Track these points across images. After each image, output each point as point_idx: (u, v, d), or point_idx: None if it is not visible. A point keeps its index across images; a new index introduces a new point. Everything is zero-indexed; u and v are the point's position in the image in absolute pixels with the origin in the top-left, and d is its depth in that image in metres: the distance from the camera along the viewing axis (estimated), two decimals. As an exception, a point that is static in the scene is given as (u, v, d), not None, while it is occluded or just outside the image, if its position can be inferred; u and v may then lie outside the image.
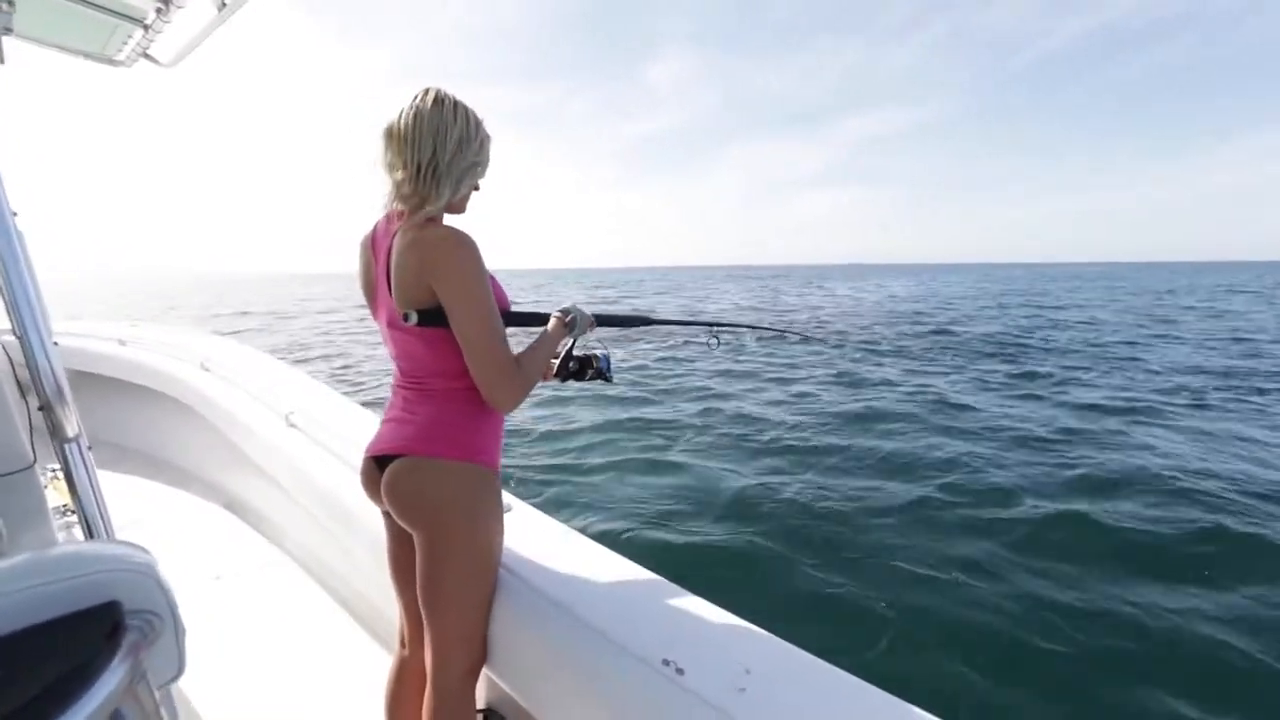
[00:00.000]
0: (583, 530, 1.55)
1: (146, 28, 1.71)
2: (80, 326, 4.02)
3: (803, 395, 7.96)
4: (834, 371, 9.77)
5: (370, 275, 1.23)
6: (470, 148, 1.12)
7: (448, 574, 1.17)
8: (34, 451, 1.35)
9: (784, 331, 2.56)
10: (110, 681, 0.48)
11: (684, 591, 1.22)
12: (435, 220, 1.13)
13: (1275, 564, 3.47)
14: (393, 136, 1.09)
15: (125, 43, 1.83)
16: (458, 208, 1.19)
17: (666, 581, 1.26)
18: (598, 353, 1.41)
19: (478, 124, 1.14)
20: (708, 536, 3.82)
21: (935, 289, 42.73)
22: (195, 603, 2.13)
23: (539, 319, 1.33)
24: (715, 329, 1.76)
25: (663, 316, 1.63)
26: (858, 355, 11.53)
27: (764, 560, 3.53)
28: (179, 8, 1.53)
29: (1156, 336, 14.23)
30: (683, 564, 3.48)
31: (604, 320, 1.44)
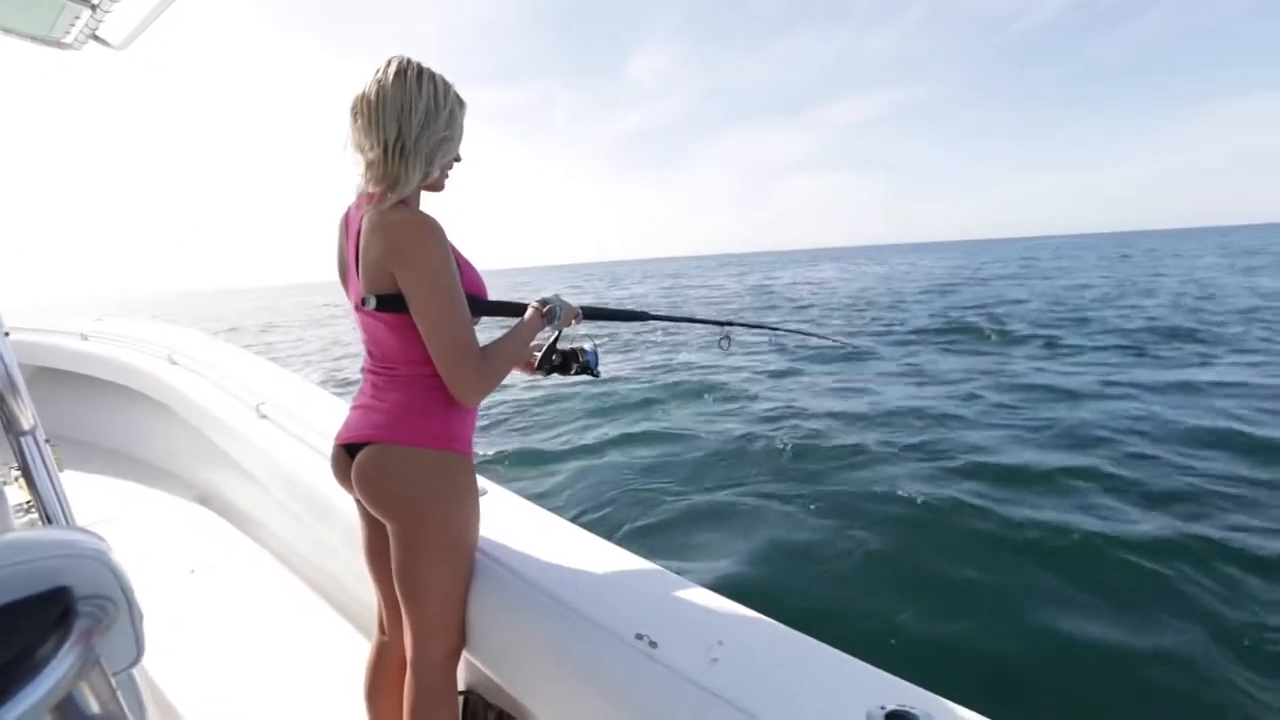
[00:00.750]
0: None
1: (94, 7, 1.64)
2: (41, 321, 3.90)
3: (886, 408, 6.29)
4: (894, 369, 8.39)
5: (343, 256, 1.21)
6: (438, 120, 1.07)
7: (423, 563, 1.16)
8: None
9: (811, 334, 2.20)
10: (59, 668, 0.47)
11: (658, 568, 1.24)
12: (406, 202, 1.10)
13: None
14: (358, 114, 1.06)
15: (73, 24, 1.76)
16: (436, 185, 1.16)
17: (641, 559, 1.28)
18: (584, 346, 1.35)
19: (445, 90, 1.08)
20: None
21: (953, 267, 39.85)
22: (171, 597, 2.11)
23: (516, 309, 1.28)
24: (727, 328, 1.60)
25: (663, 312, 1.54)
26: (905, 348, 9.99)
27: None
28: None
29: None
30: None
31: (593, 313, 1.38)
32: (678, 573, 1.23)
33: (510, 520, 1.43)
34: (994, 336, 10.65)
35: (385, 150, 1.04)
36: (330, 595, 2.08)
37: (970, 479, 4.25)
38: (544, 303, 1.27)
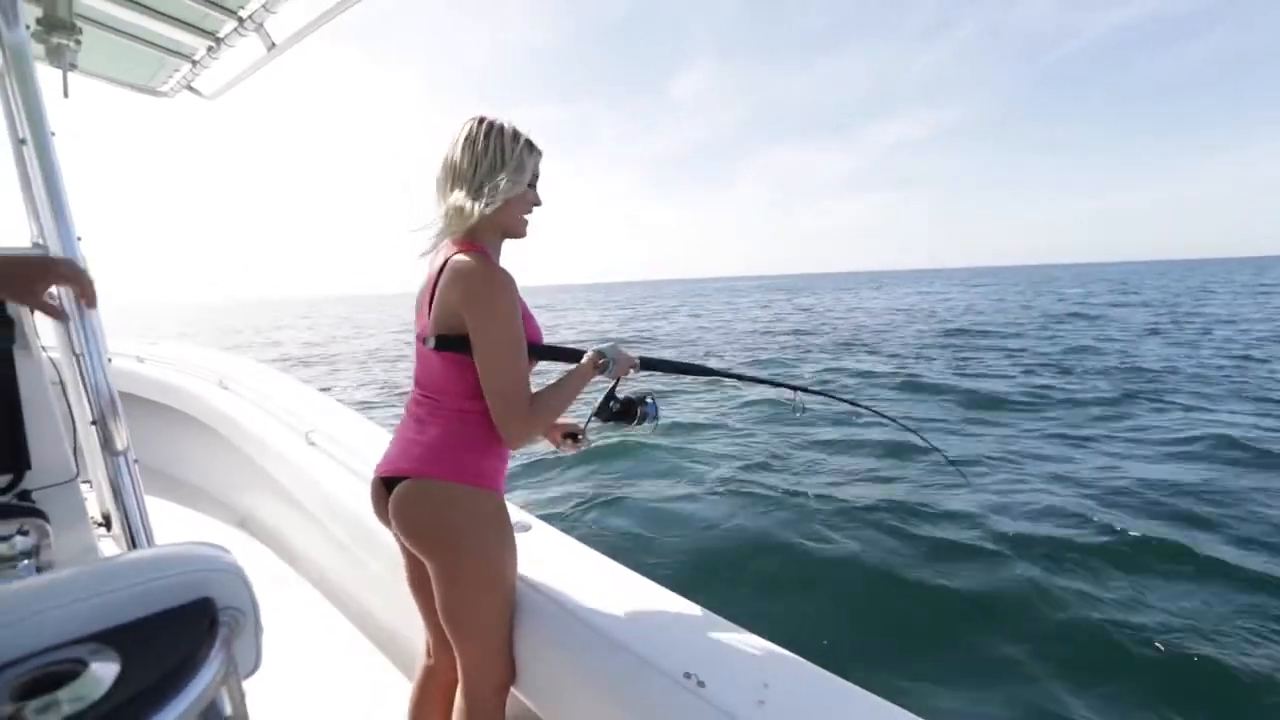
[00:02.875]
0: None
1: (195, 63, 1.80)
2: (120, 345, 4.07)
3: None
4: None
5: (421, 293, 1.28)
6: (506, 168, 1.16)
7: (463, 600, 1.19)
8: (76, 464, 1.41)
9: (901, 424, 1.81)
10: (209, 672, 0.53)
11: (703, 609, 1.26)
12: (485, 253, 1.18)
13: None
14: (441, 167, 1.18)
15: (171, 76, 1.92)
16: (517, 233, 1.24)
17: (686, 599, 1.30)
18: (646, 398, 1.35)
19: (513, 139, 1.17)
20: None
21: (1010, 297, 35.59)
22: None
23: (573, 355, 1.31)
24: (800, 392, 1.52)
25: (725, 368, 1.50)
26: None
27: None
28: (230, 47, 1.62)
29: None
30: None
31: (651, 364, 1.38)
32: (719, 613, 1.26)
33: (555, 556, 1.45)
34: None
35: (465, 191, 1.16)
36: (368, 628, 2.10)
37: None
38: (600, 354, 1.29)
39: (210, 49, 1.67)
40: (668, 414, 7.41)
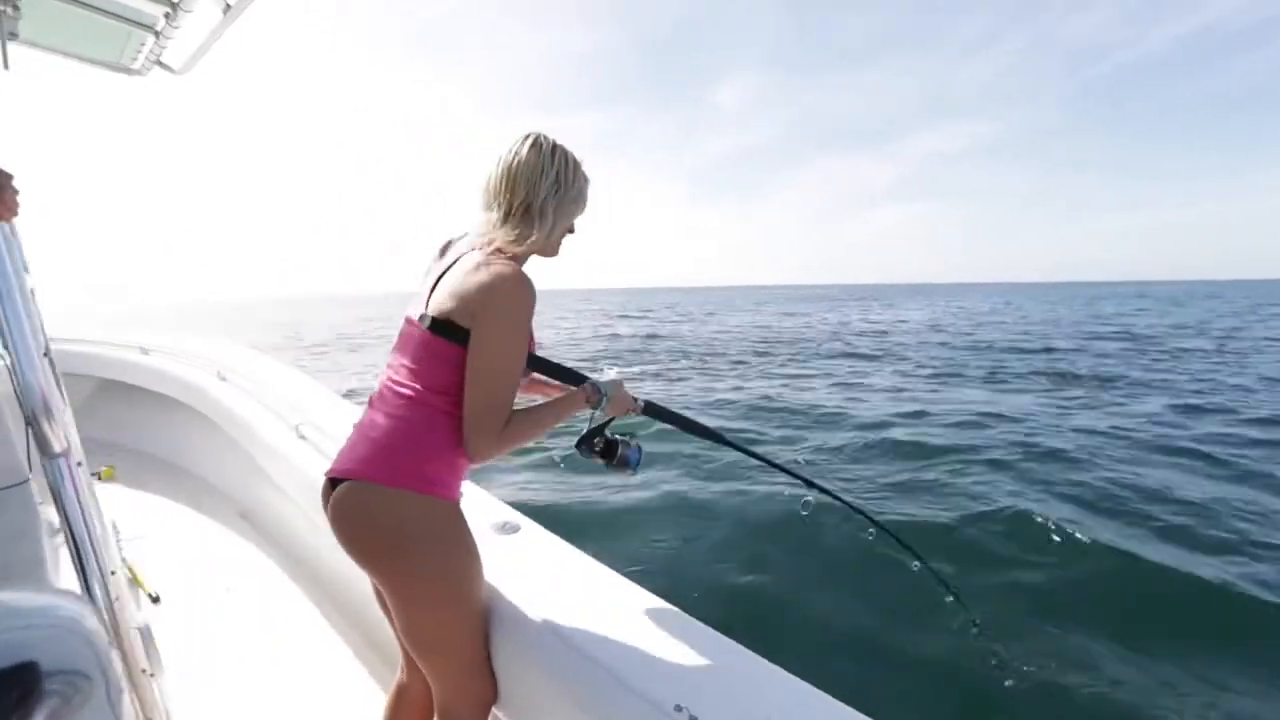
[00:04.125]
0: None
1: (158, 34, 1.69)
2: (105, 334, 4.06)
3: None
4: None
5: (427, 277, 1.18)
6: (568, 191, 1.13)
7: (422, 619, 1.09)
8: (30, 466, 1.31)
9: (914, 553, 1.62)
10: None
11: (702, 626, 1.13)
12: (515, 259, 1.13)
13: None
14: (493, 175, 1.12)
15: (139, 50, 1.82)
16: (550, 250, 1.19)
17: (684, 614, 1.17)
18: (630, 442, 1.27)
19: (575, 167, 1.14)
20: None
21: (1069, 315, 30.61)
22: (204, 616, 2.10)
23: (572, 377, 1.26)
24: (814, 490, 1.41)
25: (737, 441, 1.39)
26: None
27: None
28: (186, 11, 1.51)
29: None
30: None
31: (656, 412, 1.31)
32: (721, 631, 1.12)
33: (543, 562, 1.34)
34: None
35: (510, 209, 1.11)
36: (363, 626, 2.03)
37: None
38: (596, 389, 1.21)
39: (168, 15, 1.56)
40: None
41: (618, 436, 1.27)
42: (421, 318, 1.10)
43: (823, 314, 36.82)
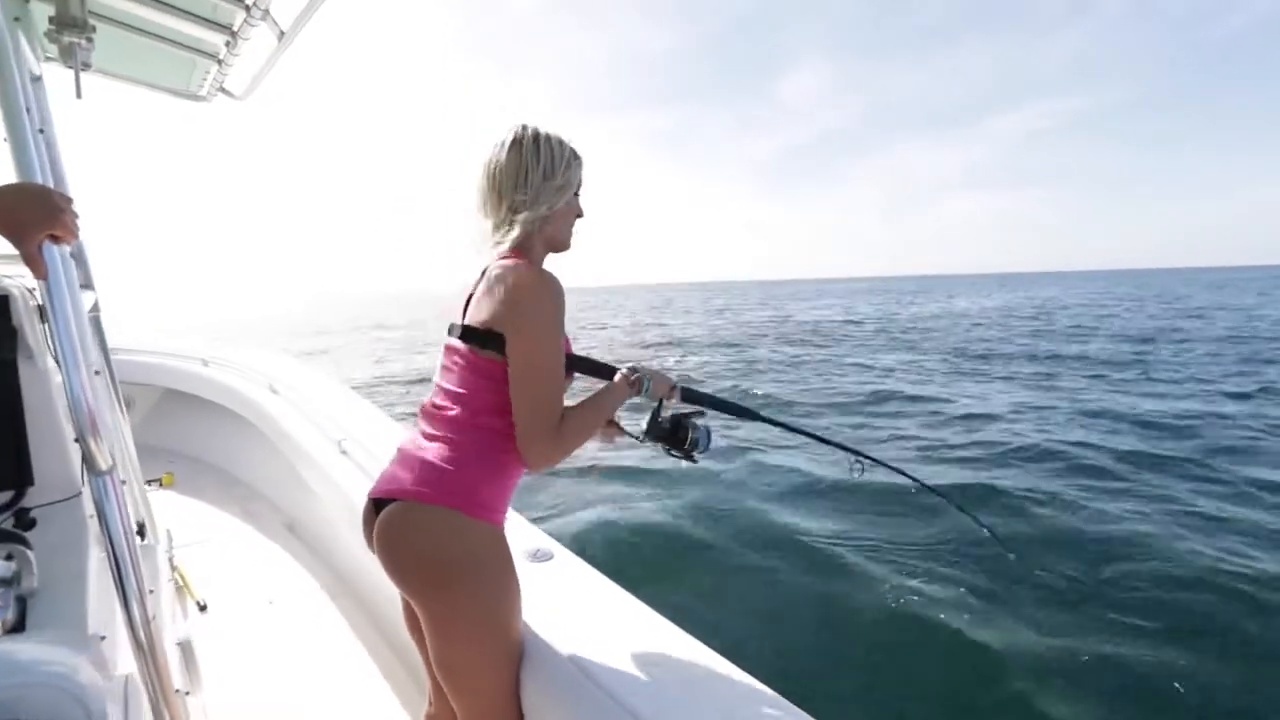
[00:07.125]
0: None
1: (220, 62, 1.77)
2: (171, 345, 4.26)
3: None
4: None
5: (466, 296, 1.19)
6: (556, 177, 1.10)
7: (459, 650, 1.05)
8: (83, 480, 1.35)
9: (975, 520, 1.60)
10: None
11: (743, 675, 1.05)
12: (531, 258, 1.12)
13: None
14: (481, 189, 1.12)
15: (205, 77, 1.90)
16: (562, 244, 1.18)
17: (722, 659, 1.10)
18: (697, 421, 1.21)
19: (560, 147, 1.11)
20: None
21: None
22: (246, 629, 2.13)
23: (606, 371, 1.21)
24: (861, 459, 1.37)
25: (779, 417, 1.34)
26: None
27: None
28: (244, 39, 1.56)
29: None
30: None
31: (692, 396, 1.26)
32: (764, 681, 1.05)
33: (576, 594, 1.29)
34: None
35: (502, 215, 1.10)
36: (398, 647, 2.02)
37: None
38: (633, 370, 1.18)
39: (229, 44, 1.63)
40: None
41: (681, 415, 1.21)
42: (451, 328, 1.11)
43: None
